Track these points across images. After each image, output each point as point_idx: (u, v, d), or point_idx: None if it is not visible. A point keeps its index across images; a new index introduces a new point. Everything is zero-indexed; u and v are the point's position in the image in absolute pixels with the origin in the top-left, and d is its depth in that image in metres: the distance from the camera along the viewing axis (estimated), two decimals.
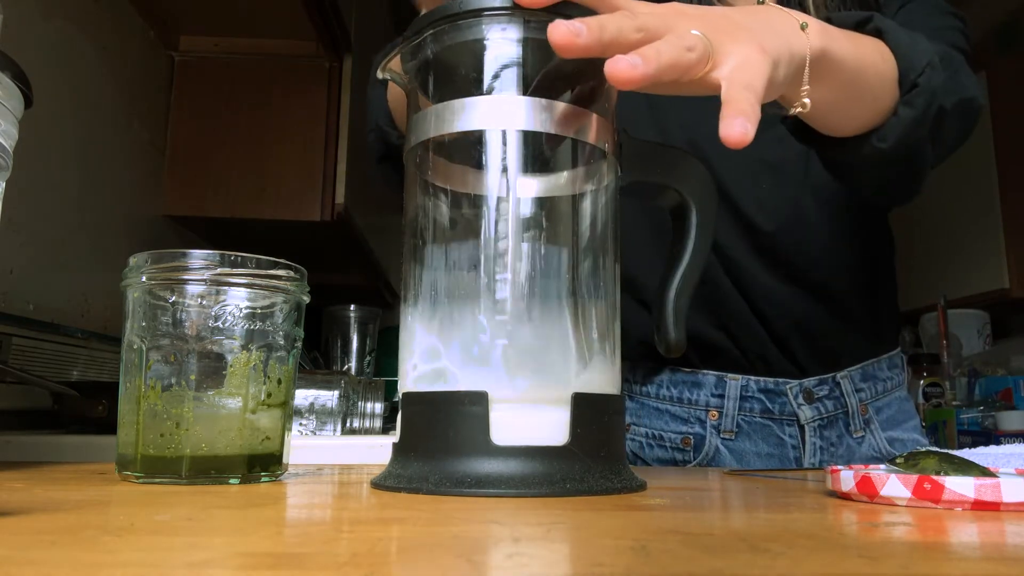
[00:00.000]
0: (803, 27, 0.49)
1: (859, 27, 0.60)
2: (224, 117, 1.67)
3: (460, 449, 0.40)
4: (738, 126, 0.40)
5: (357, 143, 1.77)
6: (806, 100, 0.51)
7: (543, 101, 0.43)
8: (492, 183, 0.43)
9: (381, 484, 0.43)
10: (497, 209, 0.43)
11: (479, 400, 0.40)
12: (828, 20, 0.61)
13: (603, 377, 0.44)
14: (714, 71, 0.43)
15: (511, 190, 0.43)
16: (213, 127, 1.66)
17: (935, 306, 2.32)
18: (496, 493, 0.38)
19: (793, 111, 0.52)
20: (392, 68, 0.49)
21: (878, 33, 0.59)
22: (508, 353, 0.41)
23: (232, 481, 0.45)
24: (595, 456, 0.41)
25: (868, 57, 0.56)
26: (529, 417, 0.41)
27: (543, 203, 0.44)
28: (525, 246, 0.42)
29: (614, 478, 0.41)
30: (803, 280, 0.77)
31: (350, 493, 0.43)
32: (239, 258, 0.46)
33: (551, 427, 0.40)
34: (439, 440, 0.41)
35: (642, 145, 0.49)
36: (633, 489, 0.42)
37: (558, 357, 0.42)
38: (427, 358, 0.44)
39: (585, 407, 0.41)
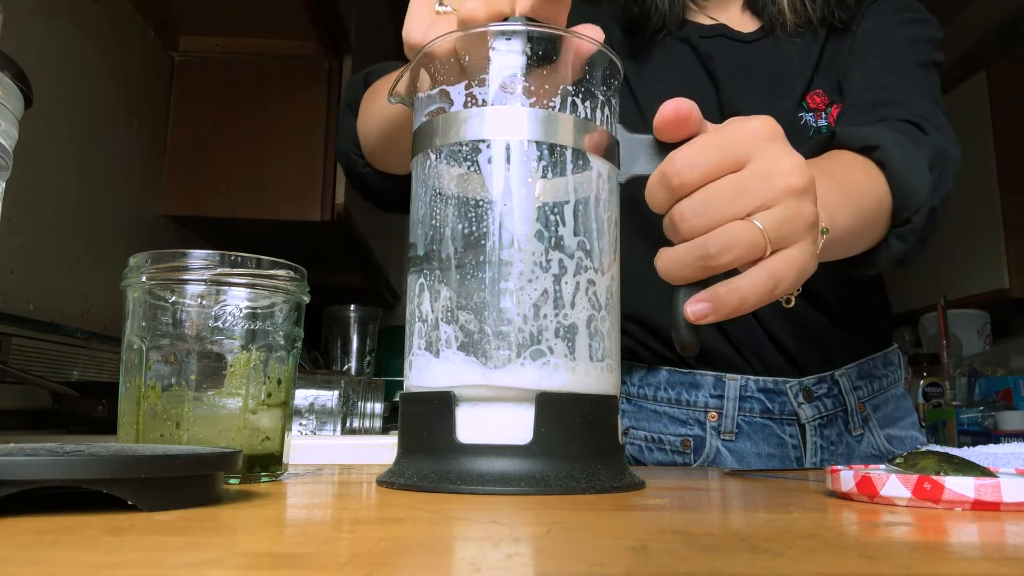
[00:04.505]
0: (824, 232, 0.47)
1: (864, 152, 0.62)
2: (224, 117, 1.67)
3: (430, 447, 0.42)
4: (700, 309, 0.42)
5: None
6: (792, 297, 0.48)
7: (544, 112, 0.43)
8: (494, 190, 0.43)
9: (380, 479, 0.45)
10: (498, 214, 0.43)
11: (446, 399, 0.42)
12: (832, 135, 0.63)
13: (580, 377, 0.43)
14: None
15: (512, 195, 0.43)
16: (213, 127, 1.66)
17: (935, 306, 2.32)
18: (459, 490, 0.40)
19: (786, 303, 0.48)
20: (399, 92, 0.50)
21: (881, 165, 0.61)
22: (491, 354, 0.42)
23: (232, 481, 0.44)
24: (564, 456, 0.41)
25: (868, 216, 0.59)
26: (495, 416, 0.42)
27: (544, 207, 0.44)
28: (525, 250, 0.42)
29: (582, 479, 0.41)
30: None
31: (350, 493, 0.43)
32: (239, 258, 0.46)
33: (515, 426, 0.41)
34: (415, 437, 0.44)
35: (638, 139, 0.48)
36: (605, 490, 0.41)
37: (539, 358, 0.42)
38: (421, 360, 0.44)
39: (551, 407, 0.41)
